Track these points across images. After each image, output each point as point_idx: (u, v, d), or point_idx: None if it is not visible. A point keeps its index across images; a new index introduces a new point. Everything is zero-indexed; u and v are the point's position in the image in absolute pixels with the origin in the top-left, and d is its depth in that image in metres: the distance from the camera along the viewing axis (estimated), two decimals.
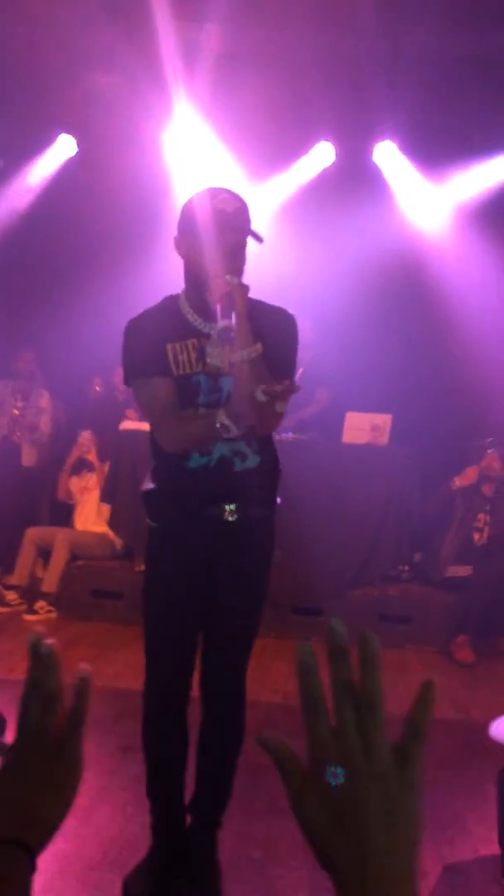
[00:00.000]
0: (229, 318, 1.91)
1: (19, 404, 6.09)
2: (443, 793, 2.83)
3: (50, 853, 2.34)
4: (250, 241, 2.06)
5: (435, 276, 6.14)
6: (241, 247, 2.06)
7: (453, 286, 6.05)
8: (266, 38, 5.36)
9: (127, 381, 2.16)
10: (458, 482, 5.20)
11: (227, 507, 2.08)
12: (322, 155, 6.40)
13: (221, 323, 1.91)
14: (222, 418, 1.94)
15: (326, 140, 6.31)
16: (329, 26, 5.21)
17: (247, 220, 2.07)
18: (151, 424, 2.14)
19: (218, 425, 1.93)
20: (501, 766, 2.34)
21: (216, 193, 2.07)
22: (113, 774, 2.79)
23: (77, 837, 2.34)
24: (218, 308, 1.94)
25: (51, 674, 0.74)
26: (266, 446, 2.16)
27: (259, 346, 1.99)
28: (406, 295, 6.33)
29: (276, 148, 6.21)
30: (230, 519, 2.08)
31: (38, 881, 2.27)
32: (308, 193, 6.43)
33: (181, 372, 2.06)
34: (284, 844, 2.35)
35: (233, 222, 2.02)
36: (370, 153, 6.35)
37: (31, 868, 0.71)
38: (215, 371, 1.98)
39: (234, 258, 2.04)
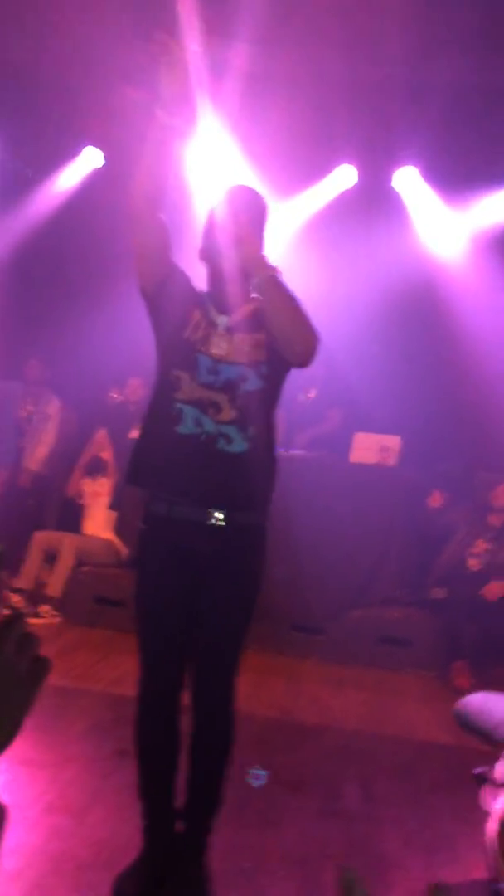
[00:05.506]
0: None
1: (29, 408, 6.20)
2: (435, 816, 2.84)
3: (43, 851, 2.36)
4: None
5: (450, 302, 6.18)
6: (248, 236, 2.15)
7: (468, 313, 6.08)
8: (294, 61, 5.43)
9: None
10: (431, 504, 5.26)
11: (213, 512, 2.08)
12: (344, 177, 6.46)
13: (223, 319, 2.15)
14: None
15: (349, 163, 6.38)
16: (356, 51, 5.29)
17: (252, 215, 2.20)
18: None
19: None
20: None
21: (228, 198, 2.21)
22: (109, 778, 2.82)
23: (71, 837, 2.37)
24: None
25: (23, 620, 0.84)
26: (259, 436, 2.11)
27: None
28: (421, 320, 6.37)
29: (299, 168, 6.28)
30: (218, 524, 2.08)
31: (30, 877, 2.31)
32: (328, 215, 6.49)
33: (187, 336, 2.13)
34: (275, 856, 2.37)
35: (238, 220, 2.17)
36: (391, 178, 6.42)
37: None
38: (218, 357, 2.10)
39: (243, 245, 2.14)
